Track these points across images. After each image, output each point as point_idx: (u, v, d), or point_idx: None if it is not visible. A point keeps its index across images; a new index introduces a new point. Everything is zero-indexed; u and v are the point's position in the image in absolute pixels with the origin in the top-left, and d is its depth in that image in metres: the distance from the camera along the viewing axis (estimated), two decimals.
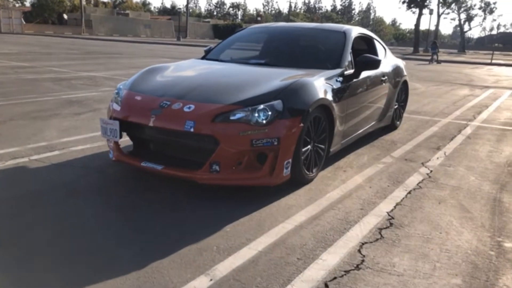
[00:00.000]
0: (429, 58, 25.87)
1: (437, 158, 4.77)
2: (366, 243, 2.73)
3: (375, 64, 4.53)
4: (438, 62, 24.55)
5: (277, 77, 3.83)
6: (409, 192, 3.66)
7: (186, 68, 4.47)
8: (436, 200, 3.51)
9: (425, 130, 6.22)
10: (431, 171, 4.28)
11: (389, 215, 3.18)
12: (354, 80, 4.49)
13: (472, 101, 9.52)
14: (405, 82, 6.28)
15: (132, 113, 3.60)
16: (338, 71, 4.29)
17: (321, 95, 3.73)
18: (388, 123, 5.85)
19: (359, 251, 2.62)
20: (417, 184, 3.87)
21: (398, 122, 6.29)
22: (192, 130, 3.26)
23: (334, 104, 3.95)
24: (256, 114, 3.30)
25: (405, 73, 6.28)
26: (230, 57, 5.15)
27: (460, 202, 3.48)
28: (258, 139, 3.24)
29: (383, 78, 5.33)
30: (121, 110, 3.67)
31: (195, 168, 3.34)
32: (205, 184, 3.37)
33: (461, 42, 60.95)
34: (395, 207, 3.33)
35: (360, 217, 3.12)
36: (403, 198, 3.52)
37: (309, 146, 3.69)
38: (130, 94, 3.79)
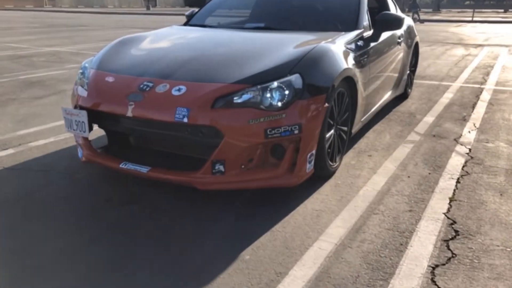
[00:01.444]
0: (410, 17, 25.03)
1: (469, 132, 4.07)
2: (437, 266, 2.01)
3: (397, 23, 3.73)
4: (421, 21, 23.78)
5: (287, 44, 3.00)
6: (458, 181, 2.95)
7: (168, 37, 3.56)
8: (494, 190, 2.82)
9: (440, 98, 5.52)
10: (469, 149, 3.58)
11: (448, 218, 2.46)
12: (374, 43, 3.69)
13: (473, 61, 8.86)
14: (417, 44, 5.51)
15: (103, 100, 2.74)
16: (356, 33, 3.48)
17: (345, 64, 2.94)
18: (402, 92, 5.11)
19: (433, 281, 1.91)
20: (462, 169, 3.17)
21: (409, 90, 5.56)
22: (185, 120, 2.44)
23: (358, 75, 3.17)
24: (269, 95, 2.49)
25: (416, 33, 5.50)
26: (218, 22, 4.27)
27: None
28: (274, 128, 2.45)
29: (399, 40, 4.55)
30: (88, 96, 2.80)
31: (193, 169, 2.54)
32: (207, 190, 2.57)
33: (434, 1, 60.07)
34: (450, 205, 2.62)
35: (413, 223, 2.40)
36: (455, 191, 2.81)
37: (332, 131, 2.92)
38: (99, 74, 2.91)
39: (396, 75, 4.62)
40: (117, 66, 2.95)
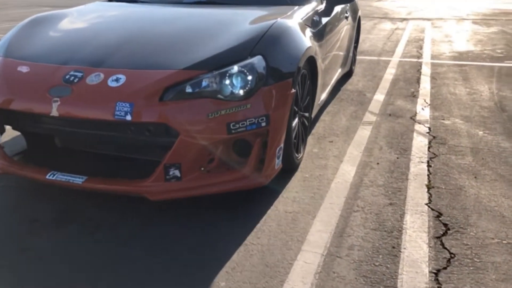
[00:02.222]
0: None
1: (422, 109, 3.96)
2: (439, 271, 1.78)
3: None
4: None
5: (239, 21, 2.59)
6: (429, 165, 2.77)
7: (92, 16, 2.98)
8: (467, 173, 2.67)
9: (383, 73, 5.40)
10: (429, 128, 3.44)
11: (432, 209, 2.26)
12: (328, 18, 3.39)
13: (403, 35, 8.96)
14: (360, 19, 5.32)
15: (17, 96, 2.17)
16: (312, 6, 3.16)
17: (308, 42, 2.60)
18: (349, 69, 4.91)
19: None
20: (429, 151, 3.00)
21: (353, 67, 5.39)
22: (128, 117, 1.97)
23: (318, 54, 2.85)
24: (229, 82, 2.09)
25: (358, 7, 5.30)
26: None
27: (497, 172, 2.68)
28: (238, 122, 2.06)
29: (346, 14, 4.29)
30: None
31: (141, 176, 2.09)
32: (159, 201, 2.13)
33: None
34: (429, 193, 2.42)
35: (398, 219, 2.16)
36: (429, 177, 2.62)
37: (296, 119, 2.59)
38: (8, 63, 2.32)
39: (344, 52, 4.38)
40: (32, 52, 2.37)
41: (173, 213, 2.20)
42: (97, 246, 1.95)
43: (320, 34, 3.04)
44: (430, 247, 1.93)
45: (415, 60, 6.29)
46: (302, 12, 2.94)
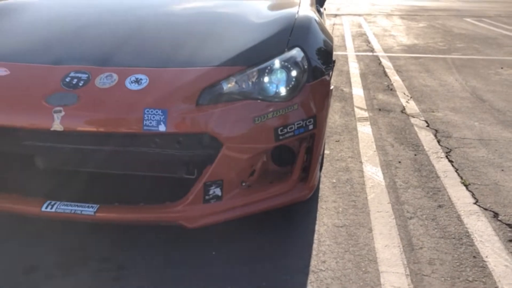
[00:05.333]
0: None
1: (407, 102, 3.88)
2: None
3: None
4: None
5: (255, 9, 2.26)
6: (450, 160, 2.65)
7: (67, 3, 2.44)
8: (491, 166, 2.58)
9: (348, 68, 5.31)
10: (426, 122, 3.35)
11: (484, 209, 2.10)
12: (320, 8, 3.15)
13: (345, 30, 9.05)
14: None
15: (0, 107, 1.64)
16: None
17: (329, 33, 2.33)
18: None
19: None
20: (440, 145, 2.89)
21: None
22: (162, 128, 1.56)
23: None
24: (271, 79, 1.75)
25: None
26: None
27: None
28: (286, 126, 1.73)
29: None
30: None
31: (170, 199, 1.68)
32: (195, 229, 1.73)
33: None
34: (470, 191, 2.28)
35: (458, 224, 1.97)
36: (458, 173, 2.49)
37: None
38: None
39: None
40: (6, 50, 1.84)
41: (206, 246, 1.82)
42: None
43: (323, 24, 2.79)
44: (510, 252, 1.76)
45: (370, 54, 6.31)
46: (309, 1, 2.66)
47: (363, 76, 4.89)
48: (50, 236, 1.83)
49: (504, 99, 3.98)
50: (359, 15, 12.58)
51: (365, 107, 3.71)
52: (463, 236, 1.88)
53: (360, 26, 9.82)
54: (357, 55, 6.16)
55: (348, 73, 5.03)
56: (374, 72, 5.08)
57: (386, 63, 5.64)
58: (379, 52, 6.44)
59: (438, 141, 2.95)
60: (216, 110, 1.63)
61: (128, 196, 1.74)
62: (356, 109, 3.67)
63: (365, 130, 3.15)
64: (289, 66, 1.78)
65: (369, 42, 7.36)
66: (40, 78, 1.66)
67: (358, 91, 4.22)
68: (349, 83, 4.56)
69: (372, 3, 17.93)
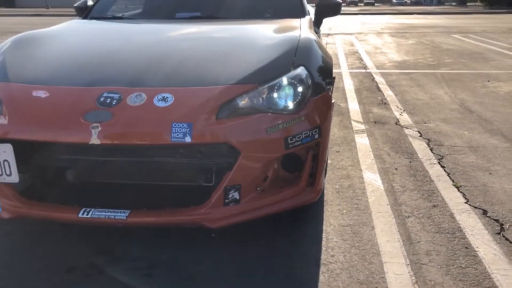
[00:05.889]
0: None
1: (400, 114, 4.13)
2: None
3: (338, 8, 3.50)
4: None
5: (261, 34, 2.51)
6: (442, 166, 2.87)
7: (89, 33, 2.68)
8: (480, 170, 2.81)
9: (343, 84, 5.58)
10: (419, 132, 3.59)
11: (474, 207, 2.32)
12: (318, 30, 3.41)
13: (338, 49, 9.40)
14: None
15: (41, 124, 1.85)
16: (308, 18, 3.14)
17: (328, 53, 2.58)
18: None
19: None
20: (433, 152, 3.12)
21: None
22: (188, 139, 1.77)
23: None
24: (280, 95, 1.98)
25: None
26: (122, 14, 3.47)
27: (505, 166, 2.85)
28: (294, 135, 1.96)
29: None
30: (11, 122, 1.87)
31: (192, 203, 1.89)
32: (217, 229, 1.93)
33: None
34: (462, 192, 2.50)
35: (451, 220, 2.19)
36: (450, 176, 2.71)
37: None
38: (18, 88, 1.99)
39: None
40: (42, 75, 2.06)
41: (227, 243, 2.02)
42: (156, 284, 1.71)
43: (322, 44, 3.04)
44: (498, 243, 1.98)
45: (364, 70, 6.60)
46: (307, 24, 2.92)
47: (357, 91, 5.16)
48: (83, 240, 2.02)
49: (491, 109, 4.24)
50: (351, 34, 12.99)
51: (362, 120, 3.95)
52: (456, 230, 2.09)
53: (352, 44, 10.17)
54: (350, 72, 6.44)
55: (343, 89, 5.30)
56: (368, 88, 5.35)
57: (379, 79, 5.92)
58: (372, 68, 6.73)
59: (431, 149, 3.18)
60: (233, 122, 1.85)
61: (155, 202, 1.94)
62: (353, 122, 3.91)
63: (362, 141, 3.38)
64: (296, 83, 2.01)
65: (361, 60, 7.67)
66: (77, 98, 1.88)
67: (354, 106, 4.48)
68: (345, 98, 4.82)
69: (362, 22, 18.46)
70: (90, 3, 3.55)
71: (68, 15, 27.35)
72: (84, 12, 3.38)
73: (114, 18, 3.22)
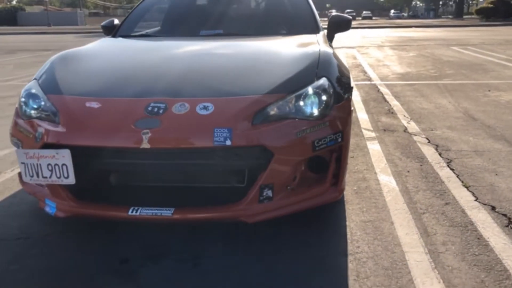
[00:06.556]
0: None
1: (408, 123, 4.36)
2: None
3: (348, 24, 3.76)
4: None
5: (285, 49, 2.76)
6: (452, 168, 3.09)
7: (127, 50, 2.94)
8: (487, 172, 3.02)
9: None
10: (427, 139, 3.81)
11: (483, 204, 2.53)
12: (332, 43, 3.66)
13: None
14: None
15: (97, 133, 2.08)
16: (322, 34, 3.40)
17: (343, 64, 2.82)
18: None
19: None
20: (441, 156, 3.34)
21: None
22: (228, 142, 1.99)
23: None
24: (306, 103, 2.21)
25: None
26: (160, 31, 3.74)
27: (510, 169, 3.06)
28: (321, 139, 2.18)
29: None
30: (70, 130, 2.09)
31: (230, 201, 2.10)
32: (253, 223, 2.14)
33: None
34: (471, 191, 2.70)
35: (463, 216, 2.39)
36: (459, 177, 2.92)
37: None
38: (72, 100, 2.21)
39: None
40: (92, 88, 2.29)
41: (263, 238, 2.22)
42: (208, 276, 1.91)
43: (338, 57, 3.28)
44: (507, 234, 2.18)
45: (368, 82, 6.85)
46: (322, 39, 3.16)
47: (365, 102, 5.40)
48: (133, 236, 2.23)
49: (493, 117, 4.47)
50: (352, 47, 13.31)
51: (371, 129, 4.18)
52: (468, 224, 2.30)
53: (354, 57, 10.46)
54: (356, 84, 6.69)
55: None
56: (374, 99, 5.59)
57: (384, 90, 6.16)
58: (376, 80, 6.99)
59: (440, 154, 3.40)
60: (267, 128, 2.07)
61: (195, 200, 2.15)
62: (363, 130, 4.14)
63: (374, 147, 3.60)
64: (320, 92, 2.24)
65: (365, 72, 7.93)
66: (128, 108, 2.11)
67: (363, 115, 4.71)
68: (354, 108, 5.04)
69: (363, 35, 18.83)
70: (116, 22, 3.80)
71: (69, 33, 27.86)
72: (111, 31, 3.64)
73: (141, 36, 3.47)
